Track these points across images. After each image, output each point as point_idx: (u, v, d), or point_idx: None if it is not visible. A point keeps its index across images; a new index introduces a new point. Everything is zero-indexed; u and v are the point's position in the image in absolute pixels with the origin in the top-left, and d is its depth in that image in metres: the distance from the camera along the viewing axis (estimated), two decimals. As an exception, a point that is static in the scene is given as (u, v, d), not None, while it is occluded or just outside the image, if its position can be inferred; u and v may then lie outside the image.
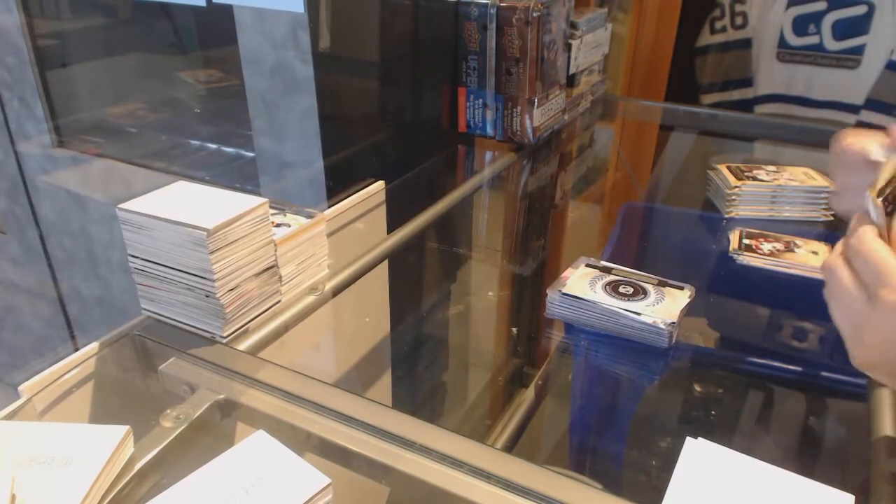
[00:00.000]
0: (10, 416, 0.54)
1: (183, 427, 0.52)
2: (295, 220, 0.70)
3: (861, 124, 1.42)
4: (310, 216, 0.71)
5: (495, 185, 1.15)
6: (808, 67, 1.45)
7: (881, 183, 0.49)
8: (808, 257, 0.83)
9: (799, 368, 0.70)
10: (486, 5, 1.10)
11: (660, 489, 0.47)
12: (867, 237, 0.46)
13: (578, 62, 1.28)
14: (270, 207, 0.64)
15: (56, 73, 1.39)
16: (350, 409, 0.54)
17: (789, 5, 1.44)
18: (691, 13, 1.57)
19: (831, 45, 1.41)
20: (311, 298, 0.71)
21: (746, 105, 1.55)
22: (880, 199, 0.47)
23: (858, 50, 1.38)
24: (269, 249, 0.64)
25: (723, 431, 0.64)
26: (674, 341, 0.67)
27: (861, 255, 0.46)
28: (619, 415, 0.73)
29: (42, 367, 0.57)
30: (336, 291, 0.74)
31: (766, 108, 1.53)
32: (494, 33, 1.11)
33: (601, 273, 0.75)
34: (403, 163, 1.14)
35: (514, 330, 0.90)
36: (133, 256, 0.62)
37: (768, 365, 0.69)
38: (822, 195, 0.94)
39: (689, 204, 1.11)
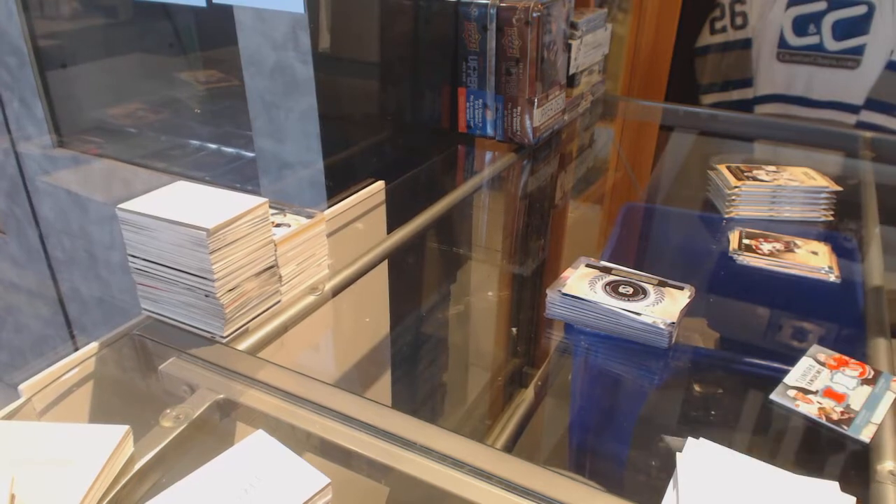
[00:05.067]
0: (9, 416, 0.54)
1: (183, 427, 0.52)
2: (295, 220, 0.70)
3: (861, 124, 1.42)
4: (310, 216, 0.71)
5: (495, 186, 1.15)
6: (808, 67, 1.45)
7: None
8: (808, 257, 0.83)
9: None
10: (486, 5, 1.10)
11: (660, 489, 0.47)
12: None
13: (578, 62, 1.28)
14: (270, 207, 0.64)
15: (56, 73, 1.39)
16: (350, 409, 0.54)
17: (789, 5, 1.44)
18: (691, 13, 1.57)
19: (831, 45, 1.41)
20: (311, 298, 0.71)
21: (746, 105, 1.55)
22: None
23: (858, 50, 1.38)
24: (269, 249, 0.64)
25: (723, 431, 0.64)
26: (674, 341, 0.67)
27: None
28: (619, 415, 0.73)
29: (42, 367, 0.57)
30: (336, 291, 0.74)
31: (766, 109, 1.53)
32: (494, 34, 1.11)
33: (601, 273, 0.75)
34: (403, 163, 1.14)
35: (514, 330, 0.90)
36: (133, 256, 0.62)
37: (768, 365, 0.69)
38: (822, 195, 0.94)
39: (689, 204, 1.11)
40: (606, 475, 0.71)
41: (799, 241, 0.86)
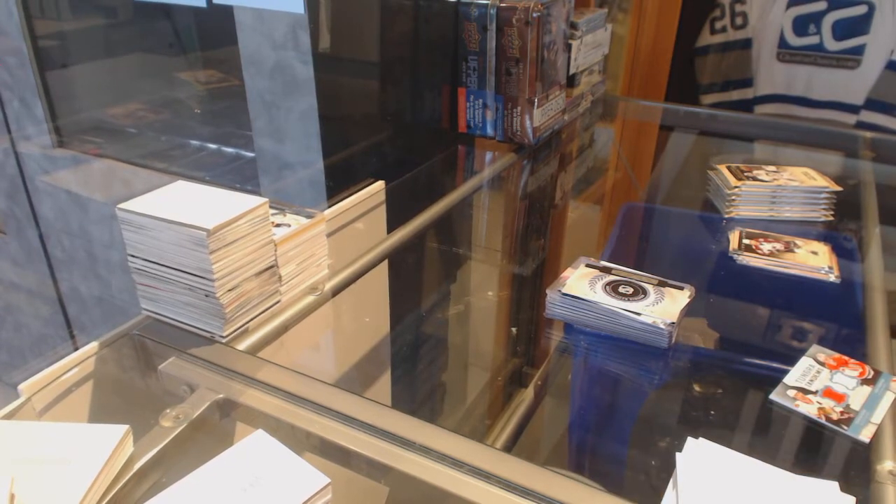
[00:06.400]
0: (9, 416, 0.54)
1: (182, 427, 0.52)
2: (295, 220, 0.70)
3: (861, 124, 1.42)
4: (310, 216, 0.71)
5: (495, 186, 1.15)
6: (808, 67, 1.45)
7: None
8: (807, 257, 0.83)
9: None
10: (486, 6, 1.10)
11: (659, 489, 0.47)
12: None
13: (578, 62, 1.28)
14: (270, 207, 0.64)
15: (56, 73, 1.39)
16: (350, 409, 0.54)
17: (789, 5, 1.44)
18: (691, 13, 1.57)
19: (831, 45, 1.41)
20: (310, 298, 0.71)
21: (746, 105, 1.55)
22: None
23: (858, 50, 1.38)
24: (269, 249, 0.64)
25: (723, 431, 0.64)
26: (674, 341, 0.67)
27: None
28: (618, 415, 0.73)
29: (41, 367, 0.57)
30: (336, 291, 0.74)
31: (766, 109, 1.53)
32: (494, 34, 1.11)
33: (601, 273, 0.75)
34: (403, 163, 1.14)
35: (514, 330, 0.90)
36: (133, 256, 0.62)
37: (768, 365, 0.69)
38: (822, 195, 0.94)
39: (689, 204, 1.11)
40: (606, 475, 0.71)
41: (799, 241, 0.86)
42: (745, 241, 0.87)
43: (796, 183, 0.95)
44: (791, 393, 0.61)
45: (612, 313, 0.68)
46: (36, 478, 0.45)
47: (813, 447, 0.59)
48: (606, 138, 1.47)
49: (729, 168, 1.00)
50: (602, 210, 1.25)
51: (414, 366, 0.87)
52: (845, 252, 0.87)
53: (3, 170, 1.49)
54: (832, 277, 0.80)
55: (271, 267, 0.65)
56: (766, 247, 0.85)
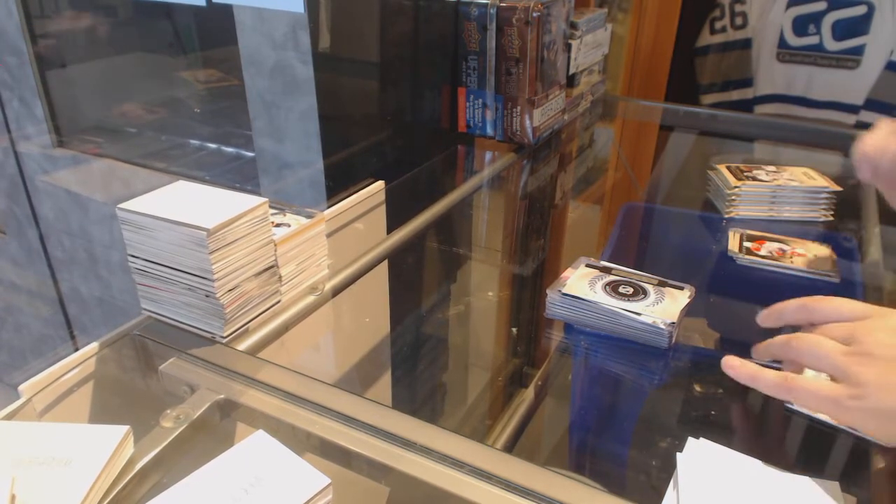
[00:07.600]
0: (10, 416, 0.54)
1: (183, 427, 0.52)
2: (295, 220, 0.70)
3: (861, 124, 1.42)
4: (310, 216, 0.71)
5: (495, 186, 1.15)
6: (807, 68, 1.45)
7: None
8: (808, 258, 0.83)
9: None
10: (486, 5, 1.10)
11: (660, 490, 0.47)
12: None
13: (578, 62, 1.28)
14: (270, 207, 0.64)
15: (56, 73, 1.39)
16: (350, 409, 0.54)
17: (789, 5, 1.44)
18: (691, 13, 1.57)
19: (831, 45, 1.41)
20: (311, 298, 0.71)
21: (746, 105, 1.55)
22: None
23: (858, 50, 1.38)
24: (269, 249, 0.64)
25: (723, 431, 0.64)
26: (674, 341, 0.67)
27: None
28: (619, 415, 0.73)
29: (42, 367, 0.57)
30: (336, 291, 0.74)
31: (765, 109, 1.53)
32: (494, 33, 1.11)
33: (601, 273, 0.75)
34: (403, 163, 1.14)
35: (514, 330, 0.90)
36: (133, 256, 0.62)
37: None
38: (822, 195, 0.94)
39: (689, 204, 1.11)
40: (606, 475, 0.71)
41: (799, 242, 0.86)
42: (746, 242, 0.87)
43: (796, 183, 0.95)
44: None
45: (613, 313, 0.68)
46: (36, 478, 0.45)
47: (814, 447, 0.59)
48: (606, 138, 1.47)
49: (729, 168, 1.00)
50: (602, 210, 1.25)
51: (414, 366, 0.86)
52: (845, 252, 0.87)
53: (3, 170, 1.49)
54: (832, 278, 0.80)
55: (271, 267, 0.65)
56: (766, 247, 0.85)
